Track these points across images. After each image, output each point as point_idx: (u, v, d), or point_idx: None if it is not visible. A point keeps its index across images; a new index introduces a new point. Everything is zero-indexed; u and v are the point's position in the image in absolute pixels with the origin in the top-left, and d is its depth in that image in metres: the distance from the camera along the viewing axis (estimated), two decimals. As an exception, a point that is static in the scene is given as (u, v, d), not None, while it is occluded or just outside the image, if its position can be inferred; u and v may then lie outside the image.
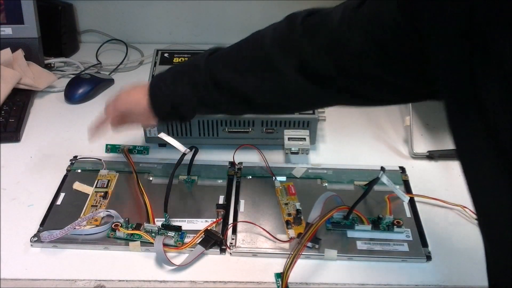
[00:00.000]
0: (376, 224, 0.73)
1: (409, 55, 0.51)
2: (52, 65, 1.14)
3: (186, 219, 0.74)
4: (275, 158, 0.87)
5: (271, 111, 0.78)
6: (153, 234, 0.71)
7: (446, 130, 0.95)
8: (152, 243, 0.69)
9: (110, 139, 0.91)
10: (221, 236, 0.71)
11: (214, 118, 0.87)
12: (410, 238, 0.72)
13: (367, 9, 0.54)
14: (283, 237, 0.71)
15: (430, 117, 0.99)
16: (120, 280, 0.67)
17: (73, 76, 1.10)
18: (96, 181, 0.81)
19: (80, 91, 1.03)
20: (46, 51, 1.13)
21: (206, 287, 0.66)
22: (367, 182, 0.80)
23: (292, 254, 0.64)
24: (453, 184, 0.83)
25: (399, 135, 0.94)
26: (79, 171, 0.84)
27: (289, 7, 1.22)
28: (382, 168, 0.71)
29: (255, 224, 0.73)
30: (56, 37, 1.17)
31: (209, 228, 0.71)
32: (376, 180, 0.71)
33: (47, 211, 0.76)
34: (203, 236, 0.70)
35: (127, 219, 0.73)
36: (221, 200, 0.78)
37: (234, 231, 0.73)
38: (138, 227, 0.72)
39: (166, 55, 0.98)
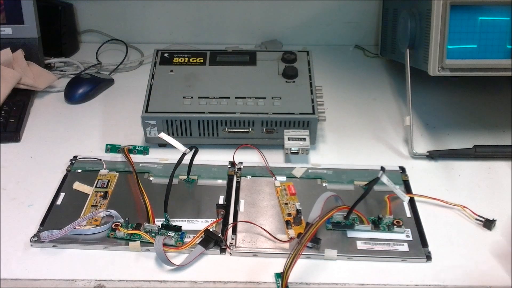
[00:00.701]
0: (376, 224, 0.73)
1: None
2: (52, 65, 1.14)
3: (186, 219, 0.74)
4: (275, 158, 0.87)
5: None
6: (153, 234, 0.71)
7: (446, 130, 0.96)
8: (152, 243, 0.69)
9: (110, 139, 0.91)
10: (221, 236, 0.71)
11: (214, 118, 0.87)
12: (410, 238, 0.72)
13: None
14: (283, 237, 0.71)
15: (430, 117, 0.99)
16: (120, 280, 0.67)
17: (73, 76, 1.10)
18: (96, 181, 0.81)
19: (80, 91, 1.03)
20: (46, 51, 1.13)
21: (206, 287, 0.66)
22: (367, 182, 0.80)
23: (292, 254, 0.64)
24: (453, 184, 0.83)
25: (399, 135, 0.94)
26: (79, 171, 0.84)
27: (289, 7, 1.23)
28: (382, 168, 0.71)
29: (255, 224, 0.73)
30: (56, 37, 1.17)
31: (209, 228, 0.71)
32: (376, 180, 0.71)
33: (47, 211, 0.76)
34: (203, 236, 0.70)
35: (127, 219, 0.73)
36: (221, 200, 0.78)
37: (234, 231, 0.73)
38: (138, 227, 0.72)
39: (166, 55, 0.98)
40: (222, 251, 0.70)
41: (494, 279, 0.67)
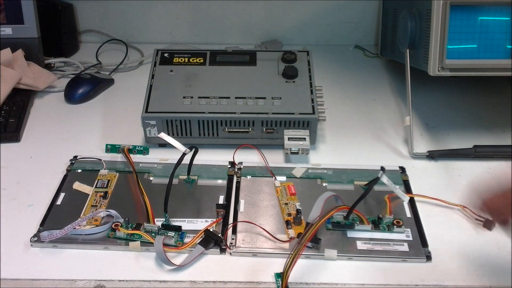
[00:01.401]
0: (376, 224, 0.73)
1: None
2: (52, 65, 1.14)
3: (186, 219, 0.74)
4: (275, 158, 0.87)
5: None
6: (153, 234, 0.71)
7: (446, 130, 0.95)
8: (152, 243, 0.69)
9: (110, 139, 0.91)
10: (221, 236, 0.71)
11: (214, 118, 0.87)
12: (410, 238, 0.72)
13: None
14: (283, 237, 0.71)
15: (430, 117, 0.99)
16: (120, 280, 0.67)
17: (73, 76, 1.10)
18: (96, 181, 0.81)
19: (80, 91, 1.03)
20: (46, 51, 1.13)
21: (206, 287, 0.66)
22: (367, 182, 0.80)
23: (292, 254, 0.64)
24: (453, 184, 0.83)
25: (399, 135, 0.94)
26: (79, 171, 0.84)
27: (289, 7, 1.23)
28: (382, 168, 0.71)
29: (255, 224, 0.73)
30: (56, 37, 1.17)
31: (209, 228, 0.71)
32: (376, 180, 0.71)
33: (47, 211, 0.76)
34: (203, 236, 0.70)
35: (127, 219, 0.73)
36: (221, 200, 0.78)
37: (234, 231, 0.73)
38: (138, 227, 0.72)
39: (166, 55, 0.98)
40: (222, 251, 0.70)
41: (494, 279, 0.67)
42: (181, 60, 0.97)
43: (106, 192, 0.79)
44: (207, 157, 0.86)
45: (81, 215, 0.75)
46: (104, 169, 0.83)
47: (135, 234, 0.71)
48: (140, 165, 0.85)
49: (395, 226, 0.73)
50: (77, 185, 0.80)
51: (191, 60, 0.97)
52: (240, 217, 0.75)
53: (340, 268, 0.68)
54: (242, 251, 0.70)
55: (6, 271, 0.67)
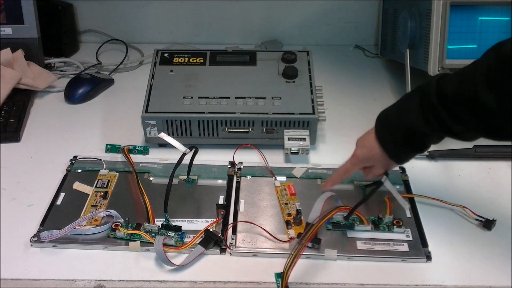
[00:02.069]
0: (376, 224, 0.73)
1: None
2: (52, 65, 1.14)
3: (186, 219, 0.74)
4: (275, 158, 0.87)
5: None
6: (153, 234, 0.71)
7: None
8: (152, 243, 0.69)
9: (110, 139, 0.91)
10: (221, 236, 0.71)
11: (214, 118, 0.87)
12: (410, 238, 0.72)
13: None
14: (283, 237, 0.71)
15: (430, 117, 0.99)
16: (120, 280, 0.67)
17: (73, 76, 1.10)
18: (96, 181, 0.81)
19: (80, 91, 1.03)
20: (46, 51, 1.13)
21: (206, 287, 0.66)
22: (368, 183, 0.80)
23: (292, 254, 0.64)
24: (453, 184, 0.83)
25: (399, 135, 0.94)
26: (79, 171, 0.84)
27: (289, 7, 1.23)
28: (386, 173, 0.71)
29: (255, 224, 0.73)
30: (56, 37, 1.17)
31: (209, 228, 0.71)
32: (379, 185, 0.71)
33: (47, 211, 0.76)
34: (203, 236, 0.70)
35: (127, 219, 0.73)
36: (221, 200, 0.78)
37: (234, 231, 0.73)
38: (138, 227, 0.72)
39: (166, 55, 0.98)
40: (222, 251, 0.70)
41: (494, 279, 0.67)
42: (181, 60, 0.97)
43: (106, 192, 0.79)
44: (207, 157, 0.86)
45: (81, 215, 0.75)
46: (104, 169, 0.83)
47: (135, 234, 0.71)
48: (140, 165, 0.85)
49: (395, 226, 0.73)
50: (77, 185, 0.80)
51: (191, 60, 0.97)
52: (240, 217, 0.75)
53: (340, 268, 0.68)
54: (242, 251, 0.70)
55: (6, 271, 0.67)
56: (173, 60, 0.97)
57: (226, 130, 0.88)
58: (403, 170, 0.84)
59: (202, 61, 0.97)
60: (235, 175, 0.83)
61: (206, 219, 0.74)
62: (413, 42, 0.92)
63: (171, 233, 0.71)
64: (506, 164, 0.87)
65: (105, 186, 0.80)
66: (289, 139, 0.86)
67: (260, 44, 1.25)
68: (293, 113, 0.87)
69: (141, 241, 0.70)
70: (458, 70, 0.61)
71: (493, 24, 0.84)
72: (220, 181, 0.82)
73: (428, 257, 0.69)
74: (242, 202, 0.78)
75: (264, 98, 0.89)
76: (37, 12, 1.06)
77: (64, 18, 1.18)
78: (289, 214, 0.75)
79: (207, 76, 0.94)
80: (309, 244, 0.69)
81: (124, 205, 0.77)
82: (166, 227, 0.72)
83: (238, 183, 0.82)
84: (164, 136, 0.75)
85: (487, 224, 0.74)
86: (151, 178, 0.82)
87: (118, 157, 0.87)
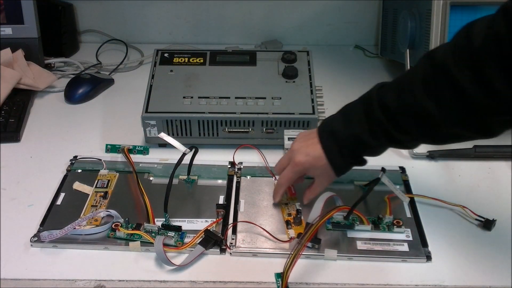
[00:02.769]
0: (376, 224, 0.73)
1: None
2: (52, 65, 1.14)
3: (186, 219, 0.74)
4: (275, 158, 0.87)
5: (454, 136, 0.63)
6: (153, 234, 0.71)
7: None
8: (152, 243, 0.69)
9: (110, 139, 0.91)
10: (221, 236, 0.71)
11: (214, 118, 0.87)
12: (410, 238, 0.72)
13: None
14: (283, 237, 0.71)
15: (430, 117, 0.99)
16: (120, 280, 0.67)
17: (73, 76, 1.10)
18: (96, 181, 0.81)
19: (80, 91, 1.03)
20: (46, 51, 1.13)
21: (206, 287, 0.66)
22: (367, 182, 0.80)
23: (292, 254, 0.64)
24: (453, 184, 0.83)
25: (399, 135, 0.94)
26: (79, 171, 0.84)
27: (289, 7, 1.23)
28: (383, 169, 0.71)
29: (255, 224, 0.73)
30: (56, 37, 1.17)
31: (209, 228, 0.71)
32: (376, 181, 0.71)
33: (47, 211, 0.76)
34: (203, 236, 0.70)
35: (127, 219, 0.73)
36: (221, 200, 0.78)
37: (234, 231, 0.73)
38: (138, 227, 0.72)
39: (166, 55, 0.98)
40: (222, 251, 0.70)
41: (494, 279, 0.67)
42: (181, 60, 0.97)
43: (106, 192, 0.79)
44: (207, 157, 0.86)
45: (81, 215, 0.75)
46: (104, 169, 0.83)
47: (135, 234, 0.71)
48: (140, 165, 0.85)
49: (395, 226, 0.73)
50: (77, 185, 0.80)
51: (191, 60, 0.97)
52: (240, 217, 0.75)
53: (340, 268, 0.68)
54: (242, 251, 0.70)
55: (6, 271, 0.67)
56: (173, 60, 0.97)
57: (226, 130, 0.88)
58: (403, 170, 0.84)
59: (202, 61, 0.97)
60: (235, 175, 0.83)
61: (206, 219, 0.74)
62: (413, 42, 0.92)
63: (171, 233, 0.71)
64: (506, 164, 0.87)
65: (105, 186, 0.80)
66: (289, 139, 0.86)
67: (260, 44, 1.25)
68: (293, 113, 0.87)
69: (141, 241, 0.70)
70: (394, 79, 0.64)
71: (493, 24, 0.84)
72: (220, 181, 0.82)
73: (428, 257, 0.69)
74: (242, 202, 0.78)
75: (264, 98, 0.89)
76: (37, 12, 1.06)
77: (64, 18, 1.18)
78: (289, 214, 0.75)
79: (207, 76, 0.94)
80: (309, 244, 0.69)
81: (124, 205, 0.77)
82: (166, 227, 0.72)
83: (238, 183, 0.82)
84: (164, 136, 0.75)
85: (487, 224, 0.74)
86: (151, 178, 0.82)
87: (118, 157, 0.87)
